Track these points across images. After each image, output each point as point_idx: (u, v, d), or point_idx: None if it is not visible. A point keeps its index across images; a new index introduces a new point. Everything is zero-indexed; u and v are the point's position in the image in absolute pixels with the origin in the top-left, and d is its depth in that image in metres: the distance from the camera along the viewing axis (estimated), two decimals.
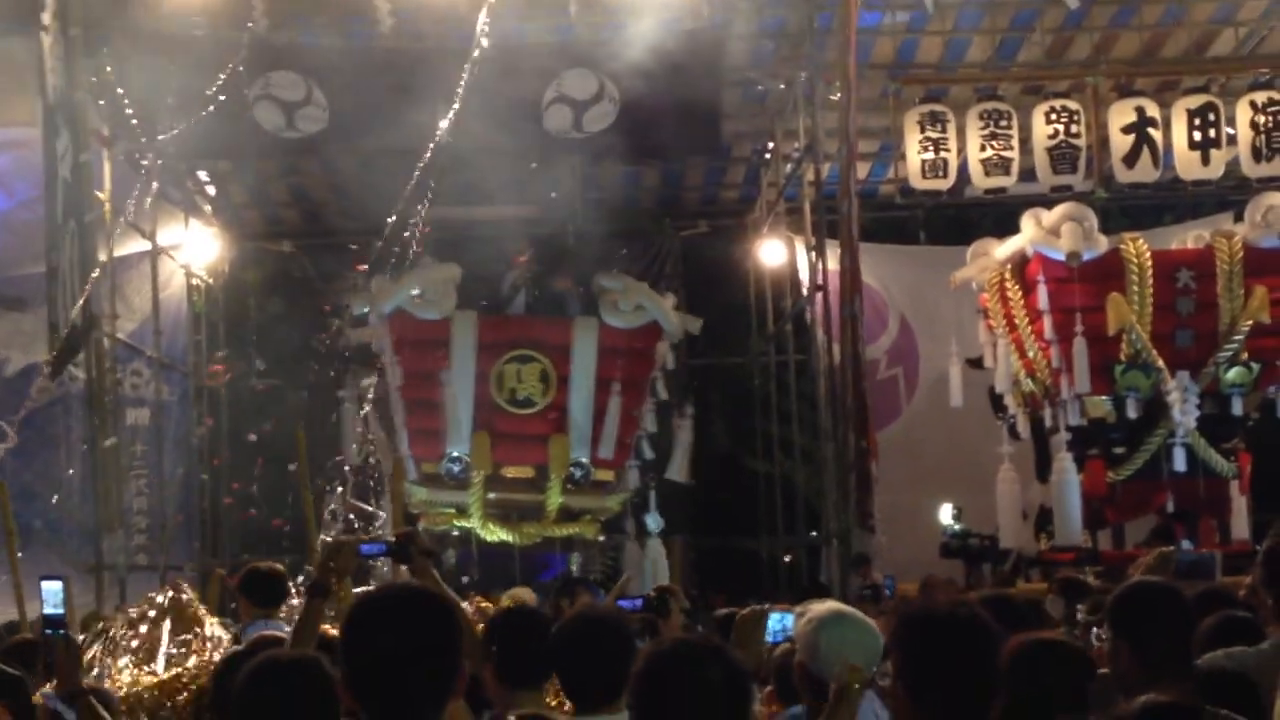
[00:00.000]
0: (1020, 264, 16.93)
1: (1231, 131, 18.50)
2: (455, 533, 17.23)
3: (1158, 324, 16.45)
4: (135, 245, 18.70)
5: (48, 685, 6.08)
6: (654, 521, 17.86)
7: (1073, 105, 18.50)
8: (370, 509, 17.75)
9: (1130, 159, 18.41)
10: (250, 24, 16.51)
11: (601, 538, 17.93)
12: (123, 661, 7.25)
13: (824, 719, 4.68)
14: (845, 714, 4.54)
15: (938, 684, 3.78)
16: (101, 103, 16.76)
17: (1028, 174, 18.66)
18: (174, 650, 7.67)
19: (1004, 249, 17.21)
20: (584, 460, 17.33)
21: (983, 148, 18.42)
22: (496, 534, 17.21)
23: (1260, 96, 18.52)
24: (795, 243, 19.98)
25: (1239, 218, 17.88)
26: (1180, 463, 16.29)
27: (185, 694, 6.93)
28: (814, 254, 18.20)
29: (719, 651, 3.84)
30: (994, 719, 3.92)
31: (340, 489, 18.01)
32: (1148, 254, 16.56)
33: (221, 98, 16.19)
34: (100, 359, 16.62)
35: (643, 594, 6.96)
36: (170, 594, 7.99)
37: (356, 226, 19.39)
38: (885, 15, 18.36)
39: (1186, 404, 16.22)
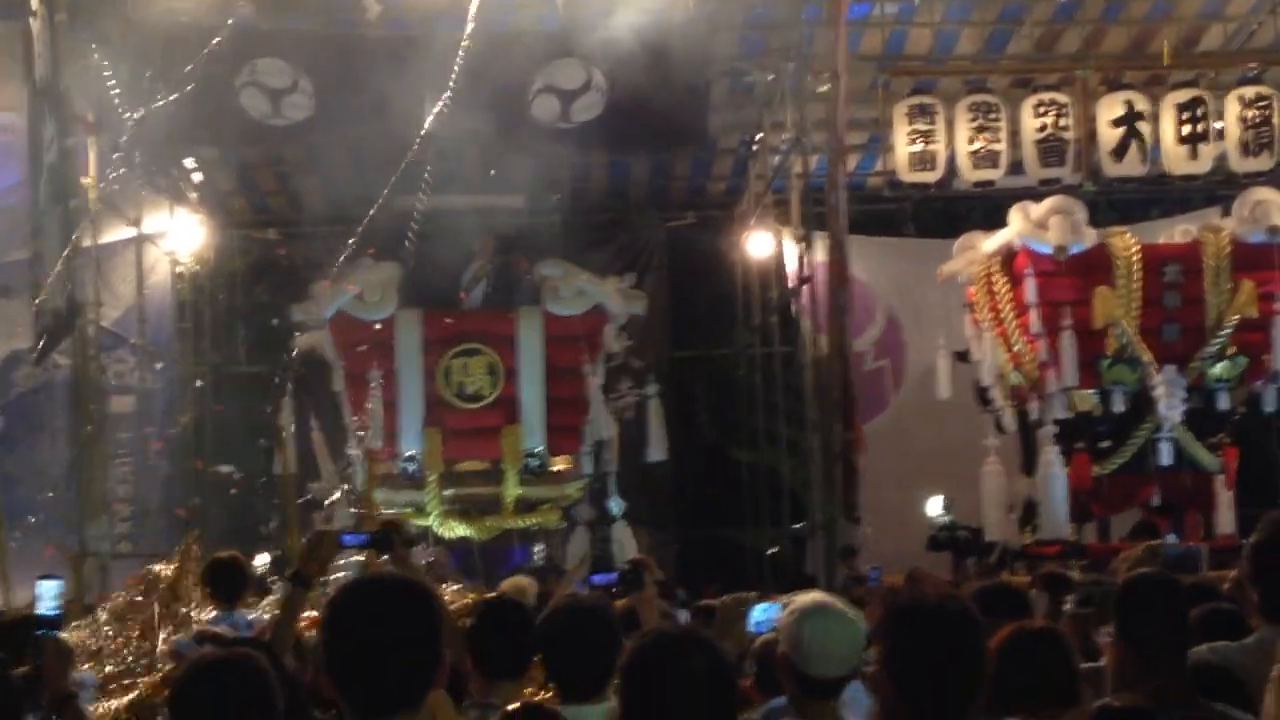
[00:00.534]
0: (1008, 257, 16.91)
1: (1220, 126, 18.51)
2: (414, 531, 17.18)
3: (1145, 318, 16.44)
4: (121, 232, 18.62)
5: None
6: (616, 505, 17.90)
7: (1061, 98, 18.49)
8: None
9: (1118, 153, 18.42)
10: (236, 11, 16.44)
11: (564, 525, 17.92)
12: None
13: None
14: None
15: (923, 674, 3.76)
16: (87, 90, 16.67)
17: (1016, 167, 18.65)
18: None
19: (991, 242, 17.18)
20: (538, 450, 17.34)
21: (971, 140, 18.40)
22: (455, 530, 17.22)
23: (1249, 91, 18.53)
24: (782, 234, 19.95)
25: (1227, 212, 17.87)
26: (1166, 457, 16.30)
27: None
28: (801, 246, 18.19)
29: (703, 643, 3.82)
30: (981, 708, 3.90)
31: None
32: (1135, 248, 16.54)
33: (208, 85, 16.11)
34: (85, 346, 16.56)
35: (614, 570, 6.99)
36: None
37: (343, 214, 19.34)
38: (874, 6, 18.38)
39: (1173, 398, 16.21)
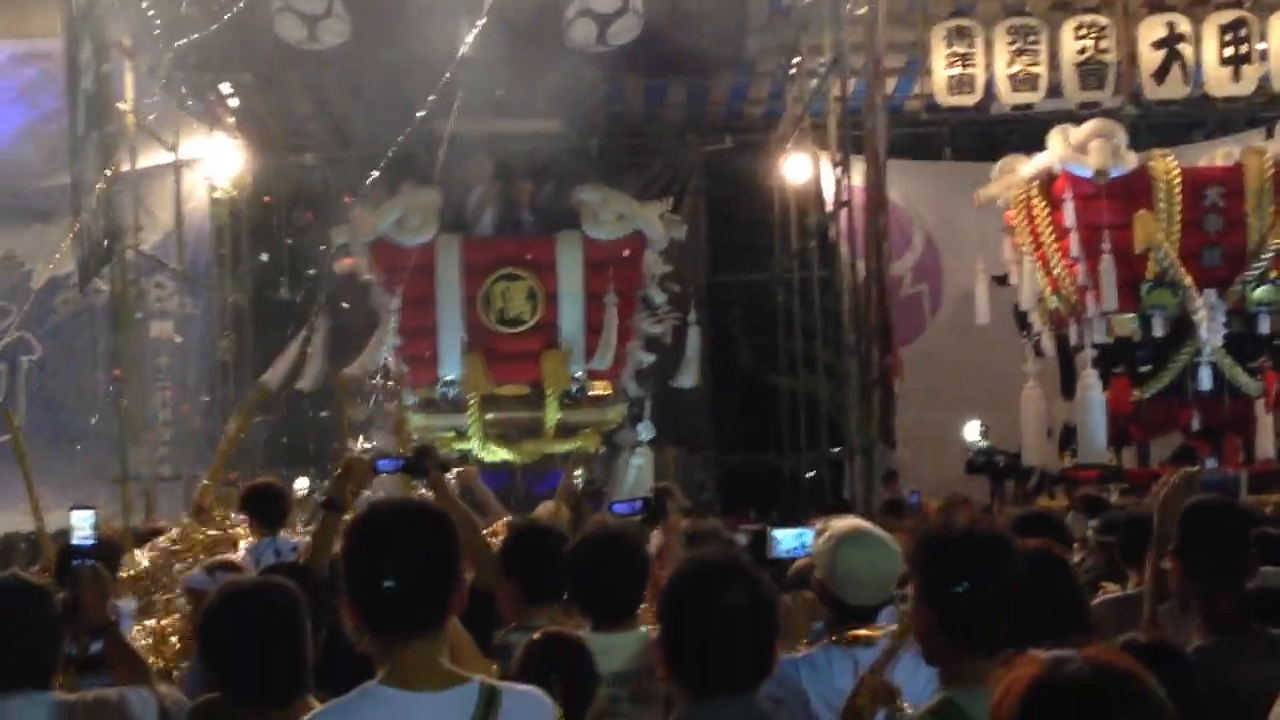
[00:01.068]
0: (1047, 181, 16.81)
1: (1263, 47, 18.33)
2: (455, 455, 17.21)
3: (1185, 242, 16.34)
4: (159, 158, 18.66)
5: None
6: (645, 430, 17.90)
7: (1102, 20, 18.33)
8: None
9: (1160, 75, 18.26)
10: None
11: (603, 450, 17.97)
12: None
13: None
14: None
15: (958, 603, 3.76)
16: (123, 15, 16.67)
17: (1055, 90, 18.52)
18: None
19: (1031, 166, 17.08)
20: (578, 374, 17.35)
21: (1010, 63, 18.28)
22: (497, 454, 17.26)
23: None
24: (820, 158, 19.86)
25: (1269, 135, 17.77)
26: (1206, 381, 16.23)
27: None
28: (839, 170, 18.09)
29: (744, 571, 3.83)
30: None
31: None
32: (1176, 171, 16.43)
33: (242, 10, 16.09)
34: (124, 272, 16.64)
35: (637, 498, 6.97)
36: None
37: (380, 139, 19.33)
38: None
39: (1213, 322, 16.14)
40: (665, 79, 20.94)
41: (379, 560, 3.52)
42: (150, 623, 7.09)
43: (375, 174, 17.34)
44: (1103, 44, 18.25)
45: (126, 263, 16.75)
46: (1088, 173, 16.34)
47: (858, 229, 17.53)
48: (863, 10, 17.25)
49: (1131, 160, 16.50)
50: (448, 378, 17.25)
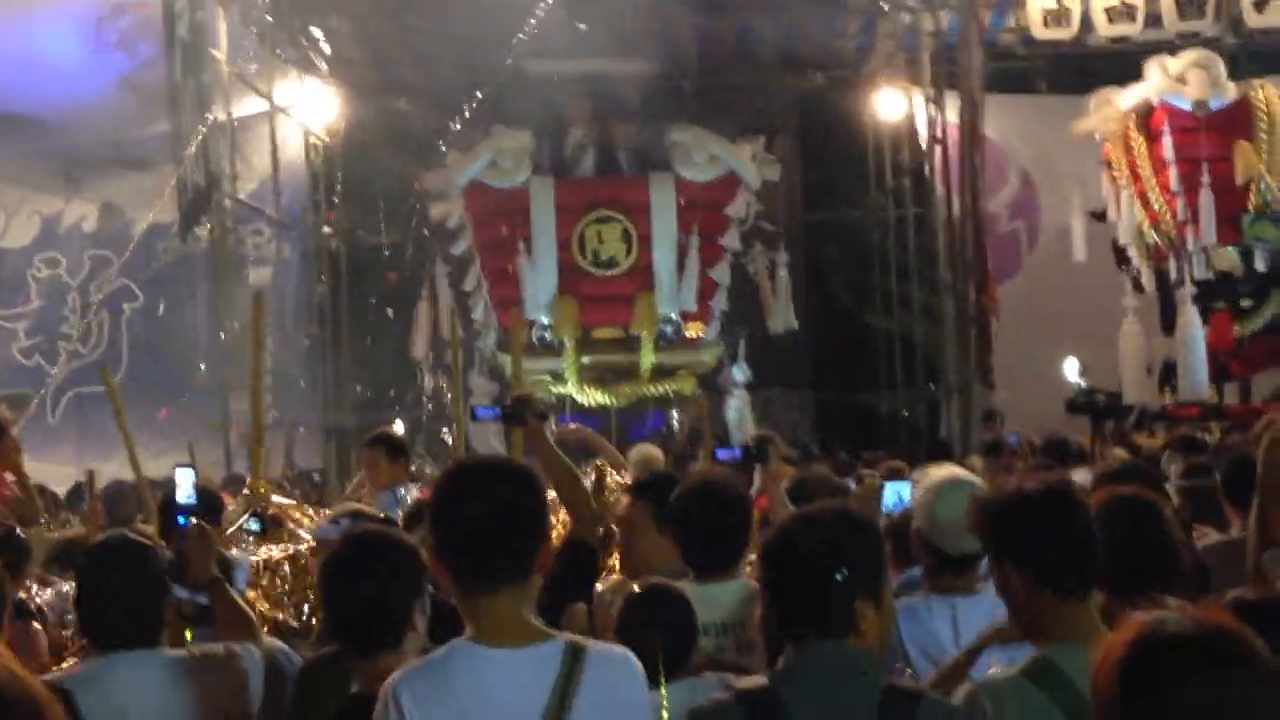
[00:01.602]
0: (1145, 114, 16.61)
1: None
2: (552, 399, 17.26)
3: None
4: (253, 105, 18.76)
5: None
6: (740, 372, 17.88)
7: None
8: None
9: (1260, 2, 17.95)
10: None
11: (699, 392, 17.98)
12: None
13: None
14: None
15: (1035, 557, 3.77)
16: None
17: (1153, 20, 18.25)
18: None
19: (1128, 98, 16.88)
20: (673, 316, 17.34)
21: None
22: (593, 397, 17.30)
23: None
24: (914, 94, 19.69)
25: None
26: None
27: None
28: (932, 107, 17.95)
29: (852, 520, 3.83)
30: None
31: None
32: (1278, 101, 16.17)
33: None
34: (222, 219, 16.78)
35: (738, 445, 6.94)
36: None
37: (472, 82, 19.36)
38: None
39: None
40: (757, 16, 20.78)
41: (462, 514, 3.60)
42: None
43: (466, 116, 17.40)
44: None
45: (224, 210, 16.91)
46: (1186, 104, 16.14)
47: (952, 165, 17.41)
48: None
49: (1231, 91, 16.29)
50: (543, 321, 17.28)
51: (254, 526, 7.17)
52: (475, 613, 3.58)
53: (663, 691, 4.08)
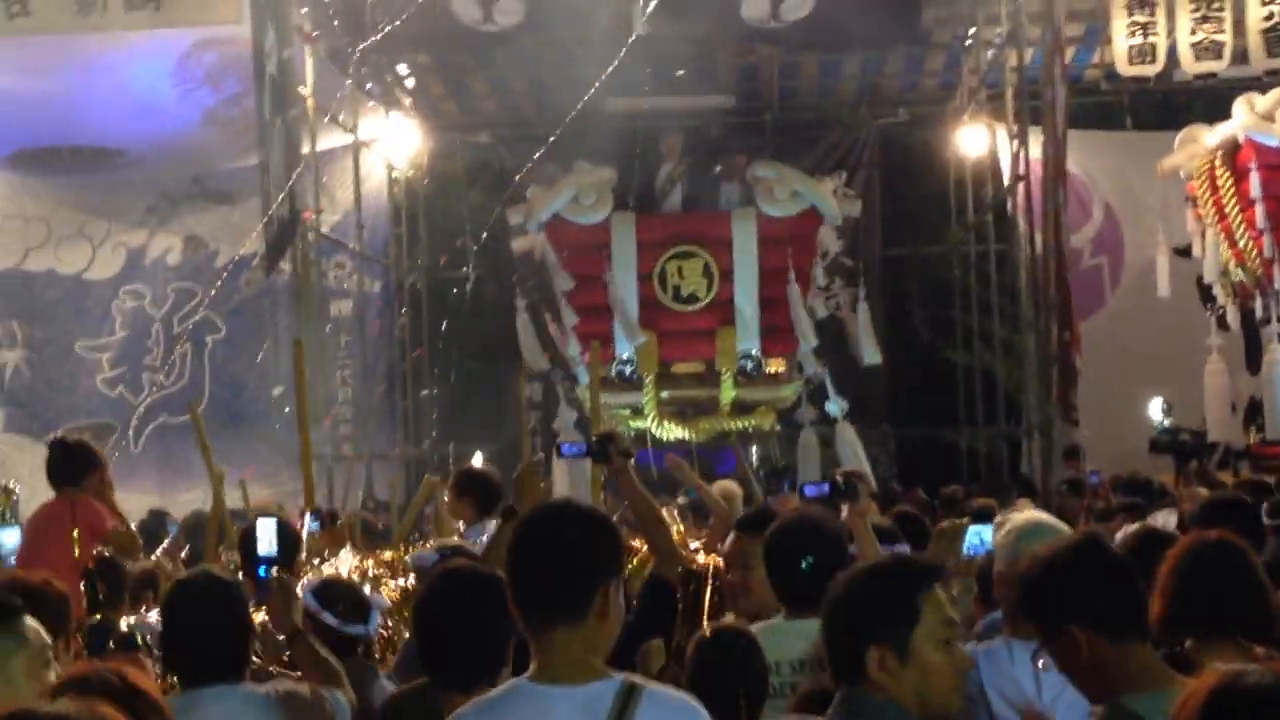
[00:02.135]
0: (1231, 150, 16.48)
1: None
2: (631, 433, 17.30)
3: None
4: (337, 139, 18.94)
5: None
6: (836, 406, 17.83)
7: None
8: None
9: None
10: None
11: (778, 427, 17.94)
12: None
13: None
14: None
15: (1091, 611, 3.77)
16: (304, 4, 16.95)
17: (1240, 57, 18.08)
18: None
19: (1214, 135, 16.76)
20: (754, 352, 17.35)
21: (1193, 31, 17.88)
22: (672, 431, 17.31)
23: None
24: (996, 130, 19.62)
25: None
26: None
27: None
28: (1016, 142, 17.87)
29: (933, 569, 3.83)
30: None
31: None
32: None
33: None
34: (305, 252, 16.93)
35: (828, 480, 6.91)
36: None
37: (555, 117, 19.46)
38: None
39: None
40: (839, 53, 20.80)
41: (527, 556, 3.77)
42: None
43: (549, 152, 17.48)
44: None
45: (308, 243, 17.05)
46: (1274, 141, 16.01)
47: (1035, 201, 17.31)
48: None
49: None
50: (624, 356, 17.31)
51: (314, 526, 7.27)
52: (538, 650, 3.70)
53: None
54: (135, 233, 19.98)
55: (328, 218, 18.72)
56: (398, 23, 16.55)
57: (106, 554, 7.05)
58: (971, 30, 19.86)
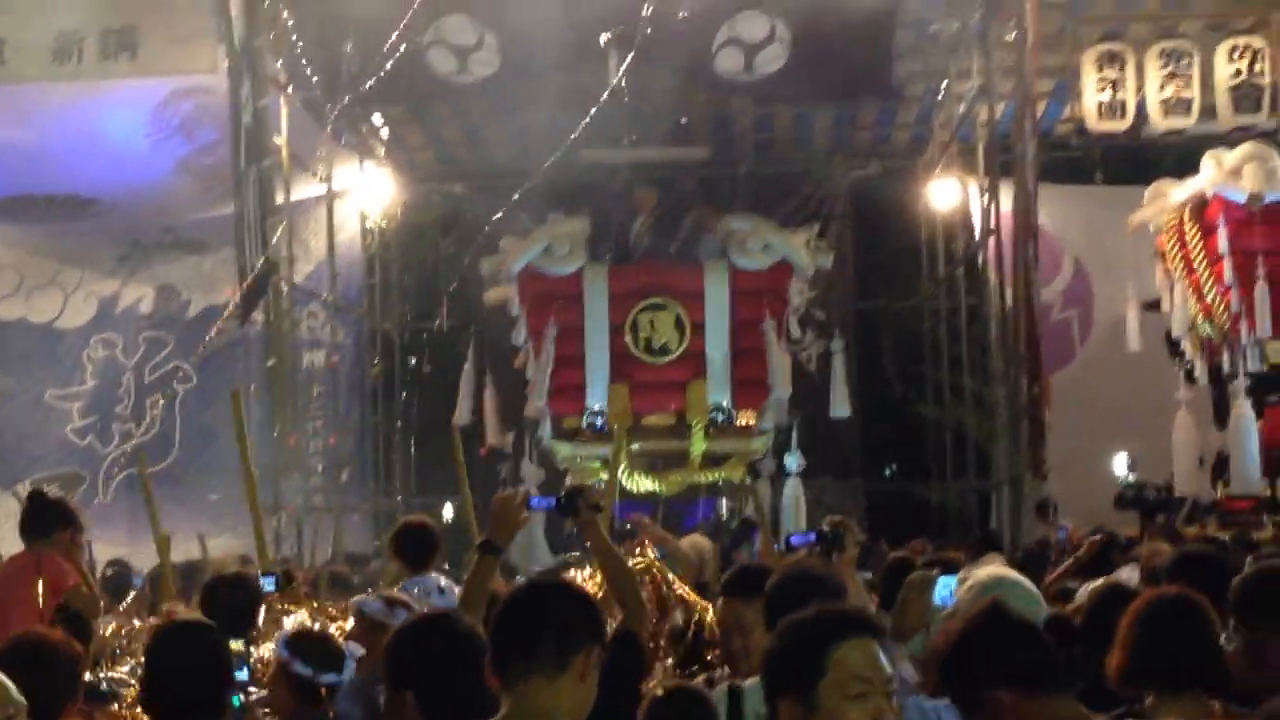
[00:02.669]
0: (1199, 206, 16.57)
1: None
2: (600, 485, 17.26)
3: None
4: (311, 189, 18.96)
5: None
6: (794, 461, 17.83)
7: (1257, 43, 18.05)
8: None
9: None
10: None
11: (749, 480, 17.94)
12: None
13: None
14: None
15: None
16: (278, 51, 17.00)
17: (1208, 113, 18.24)
18: None
19: (1183, 190, 16.85)
20: (724, 404, 17.33)
21: (1162, 87, 18.05)
22: (642, 484, 17.28)
23: None
24: (968, 184, 19.76)
25: None
26: None
27: None
28: (987, 196, 18.00)
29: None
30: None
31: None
32: None
33: (395, 44, 16.33)
34: (278, 302, 16.94)
35: (813, 530, 6.91)
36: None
37: (530, 168, 19.52)
38: None
39: None
40: (812, 106, 20.93)
41: (513, 610, 3.97)
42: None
43: (523, 202, 17.54)
44: (1257, 66, 17.97)
45: (280, 293, 17.06)
46: (1241, 197, 16.08)
47: (1006, 255, 17.42)
48: (1011, 35, 17.17)
49: None
50: (595, 407, 17.30)
51: (270, 587, 7.27)
52: (510, 697, 3.85)
53: None
54: (107, 281, 19.99)
55: (301, 267, 18.74)
56: (375, 79, 16.64)
57: (70, 609, 7.05)
58: (943, 84, 19.99)
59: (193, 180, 17.82)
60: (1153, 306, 17.92)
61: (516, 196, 17.64)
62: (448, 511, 17.20)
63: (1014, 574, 5.19)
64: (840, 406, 18.89)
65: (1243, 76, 18.00)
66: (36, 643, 5.15)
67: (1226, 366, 16.63)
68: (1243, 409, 16.08)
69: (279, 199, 16.51)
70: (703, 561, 11.26)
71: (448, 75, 17.36)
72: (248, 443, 8.51)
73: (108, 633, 7.38)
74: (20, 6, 15.70)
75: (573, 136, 16.97)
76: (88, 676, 5.83)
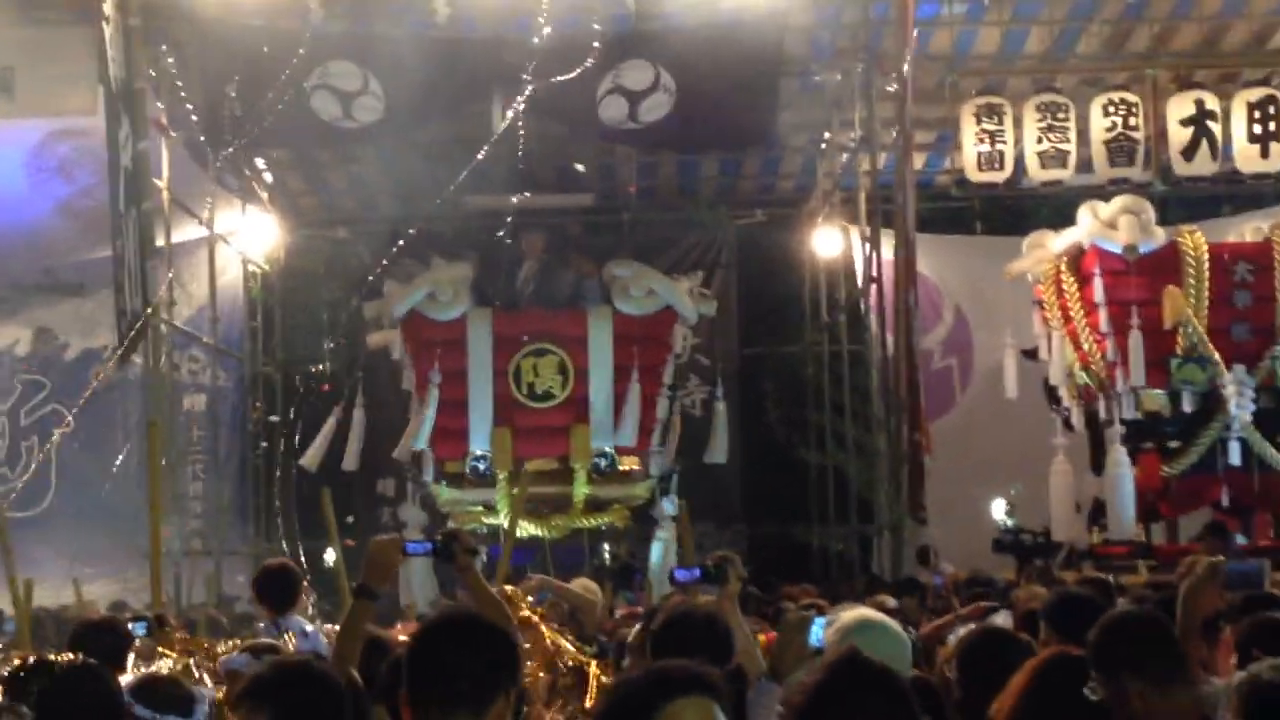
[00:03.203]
0: (1076, 256, 16.81)
1: None
2: (483, 530, 17.24)
3: (1214, 317, 16.29)
4: (193, 232, 18.83)
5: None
6: (670, 505, 17.89)
7: (1131, 97, 18.42)
8: None
9: (1188, 152, 18.33)
10: (308, 15, 16.60)
11: (632, 525, 17.98)
12: None
13: None
14: None
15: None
16: (159, 93, 16.88)
17: (1085, 165, 18.58)
18: None
19: (1060, 241, 17.10)
20: (607, 449, 17.36)
21: (1039, 140, 18.37)
22: (526, 529, 17.26)
23: None
24: (851, 233, 19.97)
25: None
26: (1235, 457, 16.11)
27: None
28: (869, 245, 18.20)
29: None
30: None
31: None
32: (1205, 247, 16.40)
33: (279, 88, 16.27)
34: (158, 345, 16.77)
35: (698, 566, 6.93)
36: None
37: (414, 214, 19.50)
38: (943, 6, 18.30)
39: (1242, 398, 16.06)
40: (696, 154, 21.08)
41: (435, 649, 3.94)
42: None
43: (408, 248, 17.51)
44: (1132, 121, 18.34)
45: (160, 336, 16.89)
46: (1117, 248, 16.33)
47: (888, 303, 17.61)
48: (893, 87, 17.40)
49: (1160, 236, 16.49)
50: (478, 452, 17.27)
51: (140, 631, 7.21)
52: None
53: None
54: None
55: (182, 311, 18.57)
56: (258, 123, 16.55)
57: None
58: (826, 135, 20.23)
59: (72, 222, 17.64)
60: (1031, 354, 18.14)
61: (401, 243, 17.58)
62: (329, 555, 17.08)
63: (881, 616, 5.23)
64: (718, 453, 18.94)
65: (1118, 130, 18.35)
66: None
67: (1102, 414, 16.86)
68: (1118, 456, 16.28)
69: (160, 241, 16.37)
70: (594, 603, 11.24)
71: (332, 120, 17.31)
72: (159, 475, 8.38)
73: None
74: None
75: (456, 183, 16.99)
76: None
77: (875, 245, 17.95)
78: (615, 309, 17.62)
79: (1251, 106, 18.29)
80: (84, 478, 17.75)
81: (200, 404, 19.75)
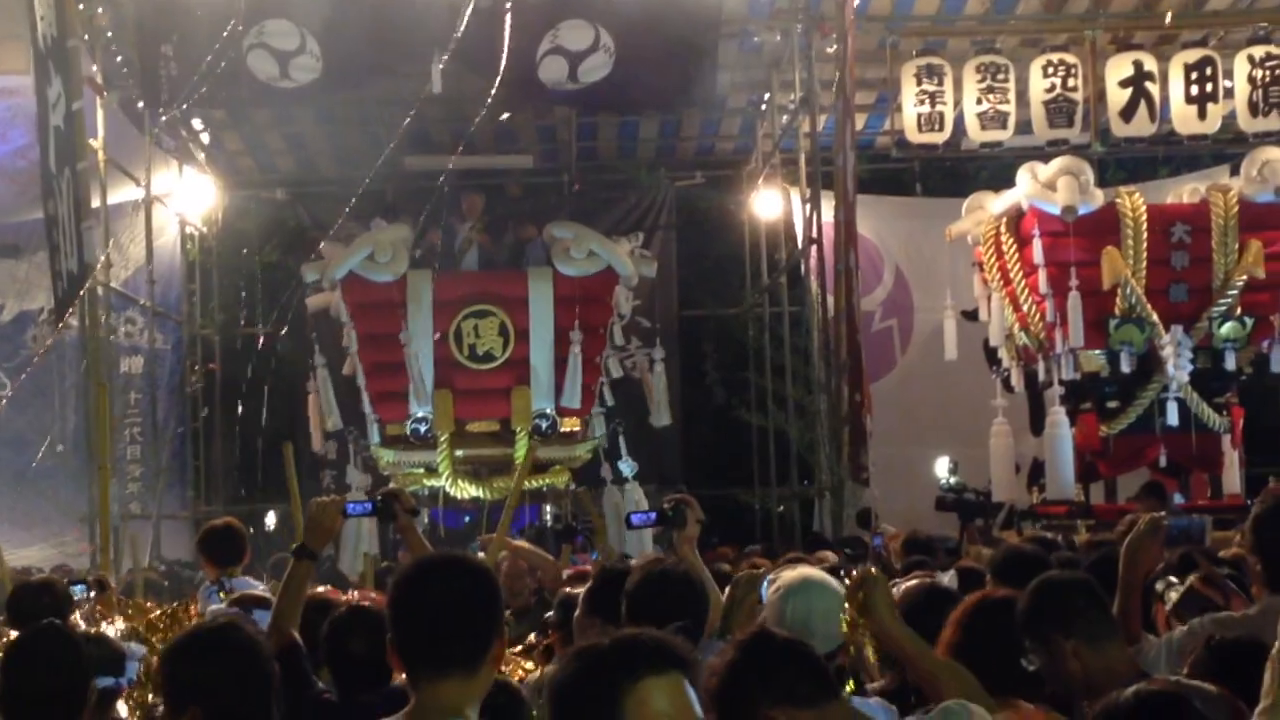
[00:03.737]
0: (1015, 218, 16.87)
1: (1229, 85, 18.44)
2: (425, 492, 17.21)
3: (1152, 278, 16.39)
4: (129, 193, 18.66)
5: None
6: (627, 467, 17.92)
7: (1070, 59, 18.45)
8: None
9: (1127, 113, 18.38)
10: None
11: (573, 486, 17.97)
12: None
13: None
14: None
15: None
16: (94, 51, 16.68)
17: (1024, 127, 18.62)
18: None
19: (999, 202, 17.15)
20: (548, 411, 17.32)
21: (979, 101, 18.38)
22: (466, 490, 17.25)
23: (1258, 51, 18.44)
24: (791, 194, 19.96)
25: (1235, 171, 17.83)
26: (1173, 417, 16.24)
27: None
28: (809, 206, 18.19)
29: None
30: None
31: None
32: (1143, 208, 16.49)
33: (215, 47, 16.10)
34: (94, 307, 16.60)
35: (654, 510, 6.92)
36: None
37: (352, 175, 19.38)
38: None
39: (1180, 358, 16.18)
40: (636, 116, 21.03)
41: (422, 614, 3.75)
42: None
43: (354, 211, 17.40)
44: (1071, 82, 18.37)
45: (96, 298, 16.73)
46: (1056, 210, 16.40)
47: (828, 264, 17.62)
48: (833, 48, 17.39)
49: (1099, 197, 16.56)
50: (418, 414, 17.20)
51: (79, 592, 7.19)
52: (422, 694, 3.70)
53: None
54: None
55: (119, 273, 18.41)
56: (194, 83, 16.38)
57: None
58: (766, 96, 20.21)
59: (6, 183, 17.43)
60: (971, 316, 18.21)
61: (344, 206, 17.45)
62: (270, 519, 17.02)
63: (822, 574, 5.23)
64: (661, 414, 18.95)
65: (1057, 91, 18.39)
66: None
67: (1041, 375, 16.95)
68: (1057, 416, 16.38)
69: (95, 203, 16.18)
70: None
71: (269, 80, 17.14)
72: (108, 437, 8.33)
73: None
74: None
75: (393, 143, 16.88)
76: None
77: (815, 206, 17.94)
78: (556, 270, 17.56)
79: (1189, 68, 18.34)
80: (20, 441, 17.59)
81: (137, 367, 19.58)
